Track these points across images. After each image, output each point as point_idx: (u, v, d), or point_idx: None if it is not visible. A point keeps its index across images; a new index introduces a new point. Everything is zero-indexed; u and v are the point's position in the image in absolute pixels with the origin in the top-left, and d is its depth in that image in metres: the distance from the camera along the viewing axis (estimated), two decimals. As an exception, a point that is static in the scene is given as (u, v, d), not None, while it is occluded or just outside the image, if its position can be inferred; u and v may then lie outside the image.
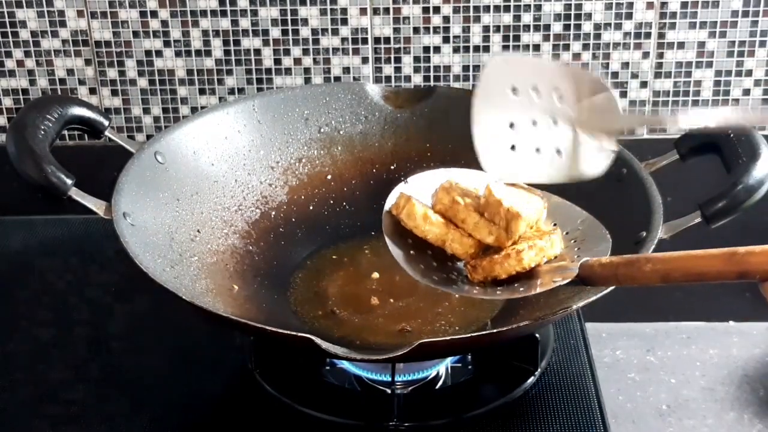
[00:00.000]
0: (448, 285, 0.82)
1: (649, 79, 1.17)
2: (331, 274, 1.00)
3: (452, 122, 1.08)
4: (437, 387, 0.92)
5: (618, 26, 1.14)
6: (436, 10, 1.14)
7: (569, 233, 0.84)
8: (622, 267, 0.73)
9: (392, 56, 1.17)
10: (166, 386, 0.93)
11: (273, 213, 1.04)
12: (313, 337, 0.75)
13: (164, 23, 1.16)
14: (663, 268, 0.69)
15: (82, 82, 1.19)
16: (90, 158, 1.17)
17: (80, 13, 1.15)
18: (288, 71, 1.18)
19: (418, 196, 0.85)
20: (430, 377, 0.92)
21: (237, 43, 1.16)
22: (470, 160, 1.06)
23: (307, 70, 1.18)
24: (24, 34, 1.17)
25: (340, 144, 1.08)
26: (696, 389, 0.99)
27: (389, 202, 0.85)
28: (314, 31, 1.16)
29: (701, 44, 1.15)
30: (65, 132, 0.98)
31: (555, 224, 0.85)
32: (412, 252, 0.83)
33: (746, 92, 1.17)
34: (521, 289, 0.79)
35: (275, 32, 1.16)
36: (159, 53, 1.17)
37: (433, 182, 0.86)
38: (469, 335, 0.88)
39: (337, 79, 1.18)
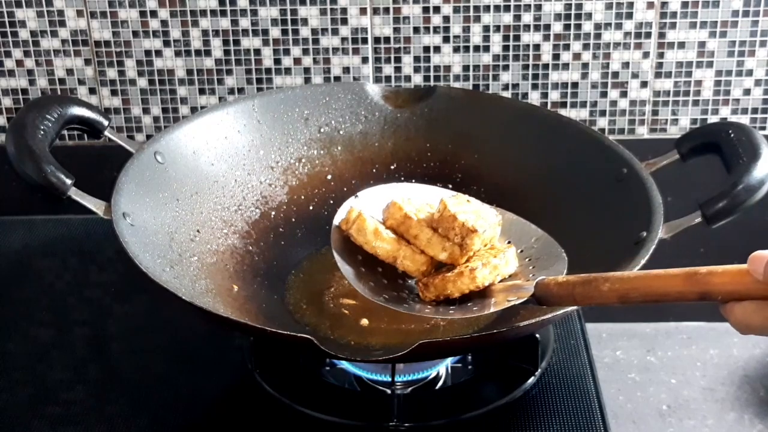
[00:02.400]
0: (398, 304, 0.80)
1: (650, 79, 1.17)
2: (331, 274, 0.99)
3: (452, 122, 1.08)
4: (437, 387, 0.92)
5: (618, 26, 1.14)
6: (436, 9, 1.14)
7: (524, 251, 0.82)
8: (579, 286, 0.70)
9: (392, 56, 1.17)
10: (166, 386, 0.93)
11: (273, 213, 1.04)
12: (312, 338, 0.75)
13: (164, 23, 1.16)
14: (621, 288, 0.67)
15: (81, 82, 1.19)
16: (90, 158, 1.17)
17: (80, 13, 1.15)
18: (288, 71, 1.17)
19: (370, 210, 0.82)
20: (430, 377, 0.92)
21: (237, 42, 1.16)
22: (471, 160, 1.06)
23: (306, 70, 1.17)
24: (23, 34, 1.17)
25: (340, 144, 1.08)
26: (696, 389, 0.99)
27: (339, 216, 0.83)
28: (314, 31, 1.16)
29: (702, 44, 1.15)
30: (65, 132, 0.98)
31: (509, 242, 0.83)
32: (362, 269, 0.81)
33: (747, 92, 1.17)
34: (475, 308, 0.77)
35: (275, 32, 1.16)
36: (159, 53, 1.17)
37: (385, 197, 0.83)
38: (469, 335, 0.88)
39: (337, 79, 1.18)
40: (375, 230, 0.81)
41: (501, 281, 0.79)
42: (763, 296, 0.60)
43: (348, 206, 0.84)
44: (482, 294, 0.78)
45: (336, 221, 0.84)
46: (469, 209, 0.81)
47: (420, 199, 0.84)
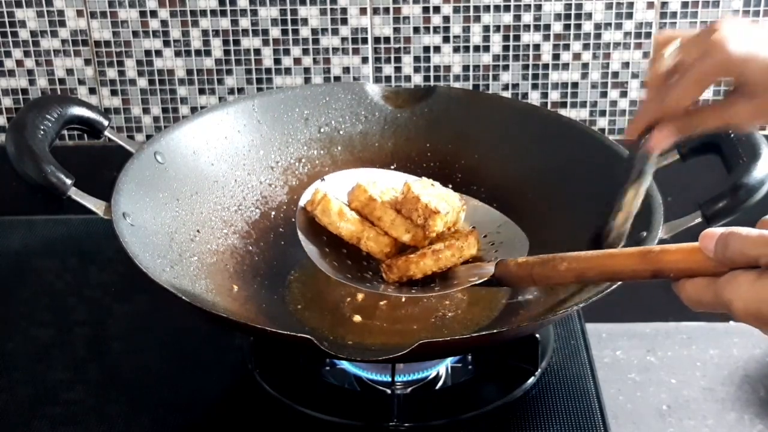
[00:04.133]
0: (361, 283, 0.81)
1: (650, 79, 1.17)
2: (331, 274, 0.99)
3: (452, 122, 1.08)
4: (437, 387, 0.92)
5: (618, 26, 1.14)
6: (436, 9, 1.14)
7: (487, 236, 0.84)
8: (538, 266, 0.72)
9: (392, 56, 1.17)
10: (166, 386, 0.93)
11: (273, 213, 1.04)
12: (312, 338, 0.75)
13: (164, 23, 1.16)
14: (578, 267, 0.69)
15: (81, 82, 1.19)
16: (89, 158, 1.17)
17: (80, 13, 1.15)
18: (288, 71, 1.18)
19: (336, 193, 0.84)
20: (430, 377, 0.92)
21: (237, 42, 1.16)
22: (471, 160, 1.06)
23: (306, 70, 1.17)
24: (23, 34, 1.17)
25: (340, 144, 1.08)
26: (696, 389, 0.99)
27: (304, 198, 0.85)
28: (314, 31, 1.16)
29: (701, 44, 1.15)
30: (65, 132, 0.98)
31: (473, 227, 0.84)
32: (326, 249, 0.83)
33: (746, 92, 1.17)
34: (437, 288, 0.79)
35: (275, 32, 1.16)
36: (159, 53, 1.17)
37: (351, 180, 0.85)
38: (469, 335, 0.88)
39: (337, 79, 1.18)
40: (339, 211, 0.82)
41: (464, 263, 0.80)
42: (713, 273, 0.62)
43: (314, 188, 0.85)
44: (444, 275, 0.80)
45: (302, 202, 0.85)
46: (432, 192, 0.83)
47: (385, 183, 0.85)
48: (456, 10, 1.14)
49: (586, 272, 0.69)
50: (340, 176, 0.87)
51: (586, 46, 1.15)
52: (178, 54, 1.17)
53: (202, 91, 1.19)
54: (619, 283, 0.78)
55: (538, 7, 1.13)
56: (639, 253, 0.66)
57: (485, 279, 0.76)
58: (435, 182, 0.85)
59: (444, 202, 0.81)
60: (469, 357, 0.95)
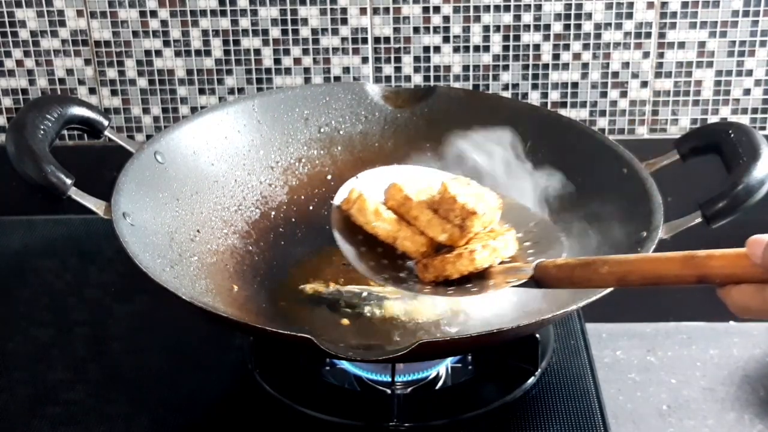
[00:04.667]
0: (397, 283, 0.80)
1: (650, 79, 1.17)
2: (331, 274, 0.99)
3: (452, 122, 1.07)
4: (437, 387, 0.92)
5: (618, 26, 1.14)
6: (436, 9, 1.14)
7: (523, 235, 0.82)
8: (578, 269, 0.70)
9: (392, 56, 1.17)
10: (166, 386, 0.93)
11: (273, 213, 1.04)
12: (312, 337, 0.75)
13: (164, 23, 1.16)
14: (619, 271, 0.67)
15: (81, 82, 1.19)
16: (90, 158, 1.17)
17: (80, 13, 1.15)
18: (288, 71, 1.18)
19: (371, 191, 0.83)
20: (430, 377, 0.92)
21: (237, 42, 1.16)
22: (470, 161, 1.06)
23: (306, 70, 1.18)
24: (23, 34, 1.17)
25: (340, 144, 1.08)
26: (696, 389, 0.99)
27: (340, 196, 0.84)
28: (314, 31, 1.16)
29: (702, 44, 1.15)
30: (65, 132, 0.98)
31: (509, 226, 0.83)
32: (362, 249, 0.82)
33: (746, 92, 1.17)
34: (473, 289, 0.78)
35: (275, 32, 1.16)
36: (159, 53, 1.17)
37: (386, 178, 0.84)
38: (469, 335, 0.88)
39: (337, 79, 1.18)
40: (375, 210, 0.81)
41: (500, 263, 0.79)
42: (761, 279, 0.61)
43: (349, 187, 0.84)
44: (481, 276, 0.78)
45: (337, 201, 0.84)
46: (469, 192, 0.81)
47: (420, 181, 0.84)
48: (456, 10, 1.14)
49: (627, 276, 0.67)
50: (374, 173, 0.86)
51: (586, 46, 1.15)
52: (178, 54, 1.17)
53: (202, 91, 1.19)
54: None
55: (538, 7, 1.13)
56: (683, 257, 0.64)
57: (524, 281, 0.75)
58: (471, 180, 0.84)
59: (481, 203, 0.80)
60: (469, 357, 0.95)
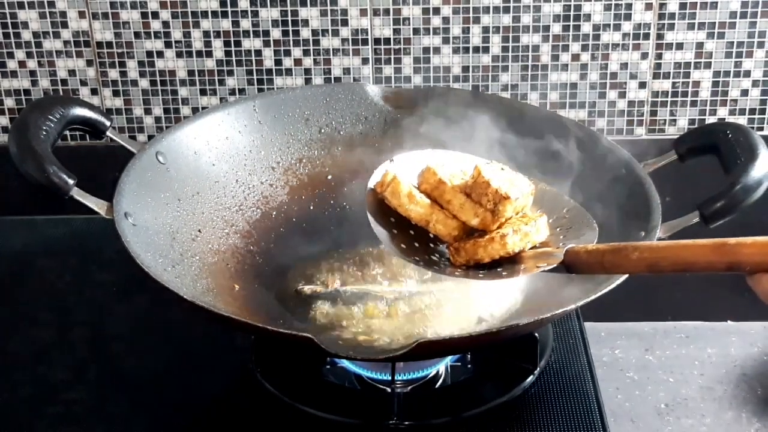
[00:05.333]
0: (429, 266, 0.81)
1: (648, 80, 1.17)
2: (332, 274, 1.00)
3: (452, 122, 1.08)
4: (437, 386, 0.93)
5: (617, 27, 1.14)
6: (436, 11, 1.15)
7: (555, 221, 0.83)
8: (609, 254, 0.70)
9: (392, 57, 1.17)
10: (167, 386, 0.93)
11: (274, 213, 1.04)
12: (313, 337, 0.75)
13: (165, 24, 1.16)
14: (650, 257, 0.68)
15: (83, 83, 1.19)
16: (91, 158, 1.17)
17: (82, 14, 1.16)
18: (288, 72, 1.18)
19: (404, 175, 0.83)
20: (429, 376, 0.92)
21: (238, 43, 1.17)
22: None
23: (307, 71, 1.18)
24: (26, 35, 1.17)
25: (341, 144, 1.08)
26: (694, 388, 0.99)
27: (374, 179, 0.84)
28: (315, 32, 1.16)
29: (700, 45, 1.15)
30: (67, 132, 0.98)
31: (541, 211, 0.83)
32: (394, 230, 0.82)
33: (744, 93, 1.17)
34: (504, 273, 0.78)
35: (276, 33, 1.16)
36: (160, 54, 1.17)
37: (420, 162, 0.84)
38: (469, 334, 0.88)
39: (338, 79, 1.18)
40: (409, 193, 0.81)
41: (531, 248, 0.79)
42: None
43: (383, 169, 0.84)
44: (512, 260, 0.79)
45: (371, 184, 0.84)
46: (503, 176, 0.81)
47: (454, 166, 0.84)
48: (455, 11, 1.15)
49: (659, 262, 0.67)
50: (408, 156, 0.86)
51: (584, 47, 1.16)
52: (179, 55, 1.17)
53: (203, 92, 1.19)
54: (619, 282, 0.79)
55: (537, 9, 1.14)
56: (714, 244, 0.64)
57: (554, 266, 0.75)
58: (505, 166, 0.84)
59: (515, 187, 0.80)
60: (469, 356, 0.95)
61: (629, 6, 1.13)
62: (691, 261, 0.65)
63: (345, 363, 0.93)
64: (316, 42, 1.16)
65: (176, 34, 1.17)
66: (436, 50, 1.17)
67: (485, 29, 1.15)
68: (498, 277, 0.78)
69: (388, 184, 0.82)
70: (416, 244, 0.82)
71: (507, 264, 0.79)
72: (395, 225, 0.82)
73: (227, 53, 1.17)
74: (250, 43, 1.17)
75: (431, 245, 0.83)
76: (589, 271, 0.73)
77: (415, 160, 0.85)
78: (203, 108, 1.19)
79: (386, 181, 0.83)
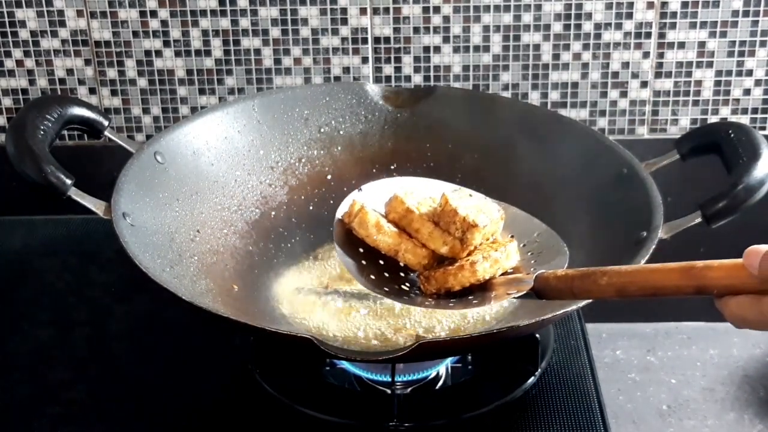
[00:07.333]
0: (399, 296, 0.80)
1: (650, 79, 1.17)
2: (331, 274, 1.00)
3: (452, 122, 1.08)
4: (437, 387, 0.92)
5: (618, 26, 1.14)
6: (437, 9, 1.14)
7: (526, 245, 0.83)
8: (578, 280, 0.70)
9: (392, 56, 1.17)
10: (166, 386, 0.93)
11: (273, 213, 1.04)
12: (312, 337, 0.75)
13: (164, 23, 1.16)
14: (618, 282, 0.67)
15: (81, 82, 1.19)
16: (90, 158, 1.17)
17: (80, 13, 1.15)
18: (288, 71, 1.18)
19: (372, 204, 0.83)
20: (430, 377, 0.92)
21: (237, 43, 1.16)
22: (471, 160, 1.06)
23: (307, 70, 1.17)
24: (23, 34, 1.17)
25: (340, 144, 1.08)
26: (696, 389, 0.99)
27: (341, 209, 0.84)
28: (314, 31, 1.16)
29: (702, 44, 1.15)
30: (65, 132, 0.98)
31: (512, 236, 0.83)
32: (363, 262, 0.82)
33: (747, 92, 1.17)
34: (475, 301, 0.78)
35: (275, 32, 1.16)
36: (159, 53, 1.17)
37: (388, 191, 0.84)
38: (469, 335, 0.88)
39: (337, 79, 1.18)
40: (377, 223, 0.81)
41: (502, 275, 0.79)
42: (758, 290, 0.61)
43: (351, 199, 0.84)
44: (483, 287, 0.79)
45: (338, 214, 0.84)
46: (470, 204, 0.81)
47: (422, 193, 0.84)
48: (456, 10, 1.14)
49: (627, 287, 0.67)
50: (376, 185, 0.86)
51: (586, 46, 1.15)
52: (178, 54, 1.17)
53: (202, 91, 1.19)
54: None
55: (538, 7, 1.13)
56: (681, 268, 0.64)
57: (524, 292, 0.75)
58: (473, 192, 0.84)
59: (482, 214, 0.80)
60: (469, 357, 0.95)
61: (631, 5, 1.13)
62: (659, 285, 0.65)
63: (345, 364, 0.92)
64: (316, 41, 1.16)
65: (175, 33, 1.16)
66: (437, 49, 1.16)
67: (486, 28, 1.15)
68: (469, 305, 0.78)
69: (356, 215, 0.82)
70: (386, 274, 0.82)
71: (478, 291, 0.79)
72: (364, 255, 0.82)
73: (226, 52, 1.17)
74: (249, 42, 1.16)
75: (401, 274, 0.82)
76: (558, 296, 0.73)
77: (382, 188, 0.85)
78: (202, 107, 1.19)
79: (353, 211, 0.82)
